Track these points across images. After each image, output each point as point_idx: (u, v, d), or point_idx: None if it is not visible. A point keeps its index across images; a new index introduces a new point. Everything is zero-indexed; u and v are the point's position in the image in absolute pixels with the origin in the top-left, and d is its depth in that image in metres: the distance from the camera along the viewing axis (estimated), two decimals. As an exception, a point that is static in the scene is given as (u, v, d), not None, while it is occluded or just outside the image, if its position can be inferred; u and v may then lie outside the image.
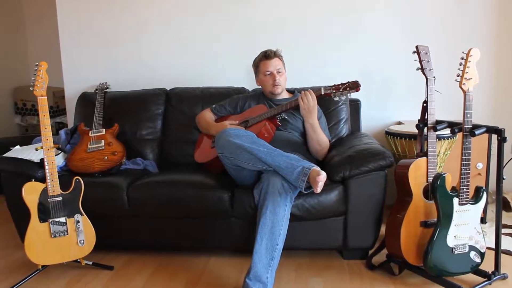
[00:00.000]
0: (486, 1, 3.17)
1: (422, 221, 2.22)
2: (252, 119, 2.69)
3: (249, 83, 3.16)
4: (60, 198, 2.29)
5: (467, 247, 2.16)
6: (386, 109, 3.29)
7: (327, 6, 3.25)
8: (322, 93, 2.50)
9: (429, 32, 3.19)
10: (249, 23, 3.33)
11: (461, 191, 2.12)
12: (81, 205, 2.35)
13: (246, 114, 2.80)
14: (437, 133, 2.28)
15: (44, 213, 2.27)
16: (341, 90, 2.44)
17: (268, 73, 2.74)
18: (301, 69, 3.25)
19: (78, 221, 2.33)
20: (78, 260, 2.40)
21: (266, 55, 2.75)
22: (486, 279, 2.17)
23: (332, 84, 2.49)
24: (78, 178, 2.36)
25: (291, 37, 3.29)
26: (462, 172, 2.12)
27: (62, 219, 2.30)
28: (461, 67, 2.11)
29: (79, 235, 2.34)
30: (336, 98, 2.48)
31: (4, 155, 2.68)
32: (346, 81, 2.44)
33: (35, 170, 2.55)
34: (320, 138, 2.62)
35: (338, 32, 3.27)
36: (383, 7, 3.22)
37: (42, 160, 2.45)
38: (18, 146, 2.80)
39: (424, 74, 2.23)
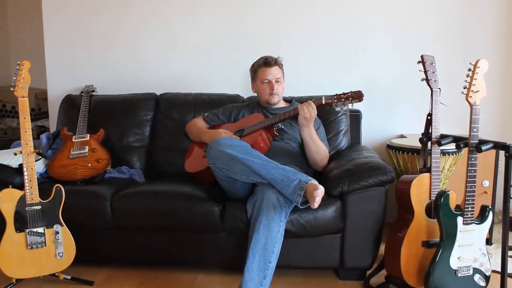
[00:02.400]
0: (495, 11, 3.15)
1: (424, 241, 2.18)
2: (247, 128, 2.64)
3: (244, 91, 3.12)
4: (39, 207, 2.25)
5: (471, 270, 2.12)
6: (388, 121, 3.26)
7: (328, 14, 3.22)
8: (323, 102, 2.48)
9: (435, 41, 3.16)
10: (246, 28, 3.28)
11: (465, 210, 2.09)
12: (61, 215, 2.30)
13: (242, 122, 2.76)
14: (442, 148, 2.25)
15: (21, 223, 2.23)
16: (343, 100, 2.43)
17: (266, 81, 2.71)
18: (300, 77, 3.20)
19: (57, 232, 2.28)
20: (56, 274, 2.34)
21: (267, 62, 2.71)
22: (491, 304, 2.14)
23: (334, 94, 2.47)
24: (58, 186, 2.31)
25: (289, 44, 3.24)
26: (467, 189, 2.09)
27: (40, 230, 2.25)
28: (468, 79, 2.09)
29: (58, 247, 2.28)
30: (338, 108, 2.47)
31: (-20, 159, 2.62)
32: (349, 91, 2.43)
33: (13, 176, 2.52)
34: (319, 148, 2.59)
35: (339, 40, 3.23)
36: (387, 16, 3.19)
37: (20, 165, 2.42)
38: (-5, 150, 2.76)
39: (429, 85, 2.21)
